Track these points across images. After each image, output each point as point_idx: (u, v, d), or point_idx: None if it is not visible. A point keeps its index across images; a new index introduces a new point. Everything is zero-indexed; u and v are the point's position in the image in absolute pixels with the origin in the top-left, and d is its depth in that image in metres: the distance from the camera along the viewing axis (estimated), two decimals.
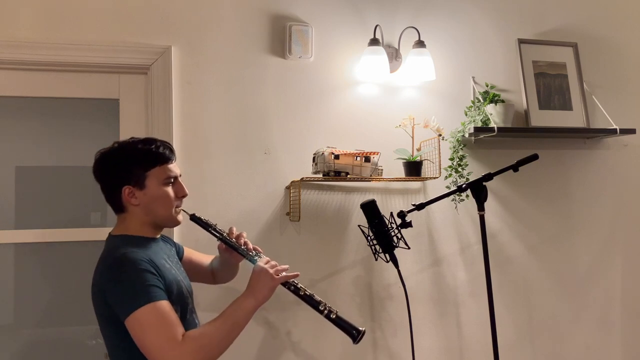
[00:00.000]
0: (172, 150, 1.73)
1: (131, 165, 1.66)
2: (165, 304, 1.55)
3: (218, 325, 1.60)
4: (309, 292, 1.77)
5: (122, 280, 1.55)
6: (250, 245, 1.85)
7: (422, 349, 2.50)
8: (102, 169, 1.70)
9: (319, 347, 2.42)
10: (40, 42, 2.20)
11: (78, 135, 2.37)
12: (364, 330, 1.76)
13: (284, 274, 1.72)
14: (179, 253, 1.94)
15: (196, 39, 2.35)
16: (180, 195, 1.73)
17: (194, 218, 1.86)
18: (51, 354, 2.32)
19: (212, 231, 1.85)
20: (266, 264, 1.73)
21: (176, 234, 2.23)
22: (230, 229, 1.88)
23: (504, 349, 2.34)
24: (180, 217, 1.76)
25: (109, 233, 1.74)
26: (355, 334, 1.75)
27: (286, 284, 1.75)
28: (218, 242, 1.90)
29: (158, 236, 1.77)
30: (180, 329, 1.54)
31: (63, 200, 2.35)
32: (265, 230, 2.38)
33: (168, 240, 1.89)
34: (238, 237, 1.87)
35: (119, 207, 1.70)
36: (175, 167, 1.72)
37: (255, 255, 1.81)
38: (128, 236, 1.68)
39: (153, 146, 1.69)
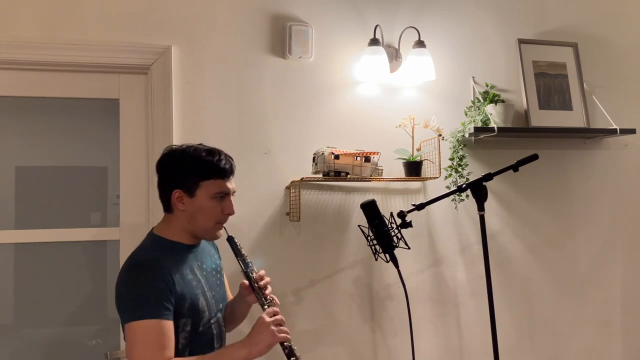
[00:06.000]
0: (232, 166, 1.73)
1: (189, 171, 1.68)
2: (166, 324, 1.56)
3: None
4: None
5: (134, 286, 1.59)
6: (268, 291, 1.79)
7: (422, 349, 2.49)
8: (163, 165, 1.73)
9: (317, 347, 2.42)
10: (41, 42, 2.20)
11: (78, 135, 2.37)
12: None
13: (283, 334, 1.65)
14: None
15: (196, 39, 2.35)
16: (227, 212, 1.72)
17: (230, 240, 1.81)
18: (51, 354, 2.32)
19: (240, 260, 1.80)
20: (272, 316, 1.67)
21: None
22: (260, 272, 1.82)
23: (504, 349, 2.34)
24: (220, 232, 1.75)
25: (152, 228, 1.76)
26: None
27: (282, 345, 1.68)
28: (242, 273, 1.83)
29: (196, 243, 1.77)
30: (169, 353, 1.55)
31: (63, 200, 2.35)
32: (265, 230, 2.38)
33: (212, 243, 1.86)
34: (262, 278, 1.80)
35: (167, 206, 1.73)
36: (230, 184, 1.72)
37: (266, 303, 1.75)
38: (165, 240, 1.70)
39: (216, 158, 1.69)
